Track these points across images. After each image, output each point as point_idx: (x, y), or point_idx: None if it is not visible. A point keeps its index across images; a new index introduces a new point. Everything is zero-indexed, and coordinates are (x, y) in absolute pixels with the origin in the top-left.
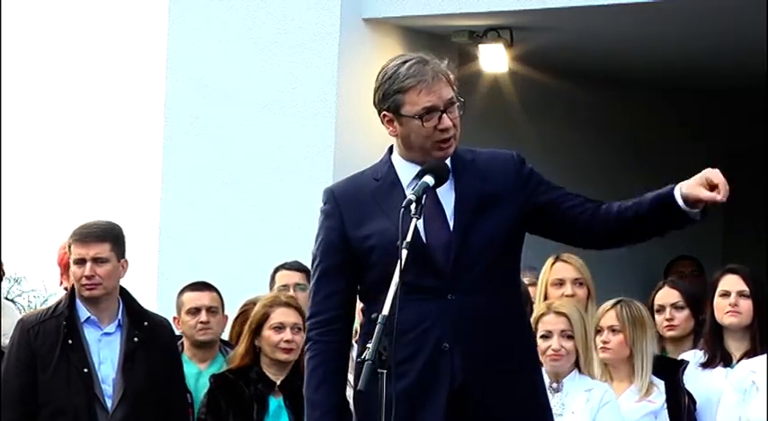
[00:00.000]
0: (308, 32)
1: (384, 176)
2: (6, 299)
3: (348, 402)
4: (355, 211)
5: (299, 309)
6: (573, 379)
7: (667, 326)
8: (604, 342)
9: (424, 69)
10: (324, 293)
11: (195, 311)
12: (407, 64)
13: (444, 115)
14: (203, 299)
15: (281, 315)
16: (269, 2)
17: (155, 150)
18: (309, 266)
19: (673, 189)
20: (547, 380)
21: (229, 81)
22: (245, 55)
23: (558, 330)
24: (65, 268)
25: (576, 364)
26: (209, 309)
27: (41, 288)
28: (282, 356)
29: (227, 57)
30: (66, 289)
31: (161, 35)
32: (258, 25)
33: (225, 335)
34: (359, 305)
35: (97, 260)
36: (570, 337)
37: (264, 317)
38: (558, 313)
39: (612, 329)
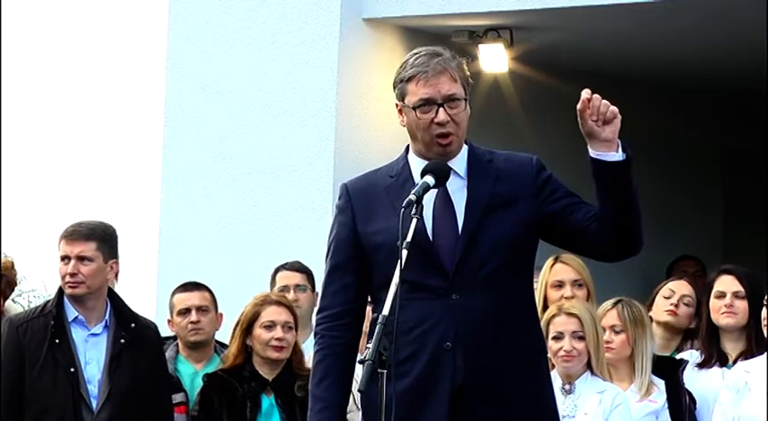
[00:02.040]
0: (308, 32)
1: (398, 173)
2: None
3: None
4: (367, 208)
5: (289, 308)
6: (585, 380)
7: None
8: (607, 342)
9: (429, 61)
10: (333, 288)
11: (185, 312)
12: (417, 54)
13: (441, 109)
14: (193, 299)
15: (271, 313)
16: (269, 2)
17: (155, 150)
18: (311, 267)
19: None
20: (559, 381)
21: (229, 81)
22: (245, 55)
23: (569, 331)
24: None
25: (588, 365)
26: (200, 309)
27: (41, 288)
28: (274, 354)
29: (227, 57)
30: None
31: (161, 35)
32: (258, 25)
33: (223, 335)
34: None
35: (81, 258)
36: (582, 338)
37: (255, 316)
38: (570, 314)
39: (614, 329)
